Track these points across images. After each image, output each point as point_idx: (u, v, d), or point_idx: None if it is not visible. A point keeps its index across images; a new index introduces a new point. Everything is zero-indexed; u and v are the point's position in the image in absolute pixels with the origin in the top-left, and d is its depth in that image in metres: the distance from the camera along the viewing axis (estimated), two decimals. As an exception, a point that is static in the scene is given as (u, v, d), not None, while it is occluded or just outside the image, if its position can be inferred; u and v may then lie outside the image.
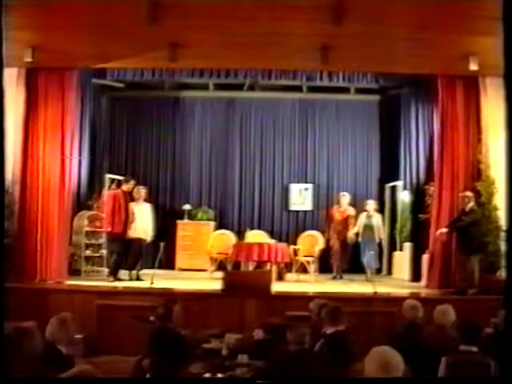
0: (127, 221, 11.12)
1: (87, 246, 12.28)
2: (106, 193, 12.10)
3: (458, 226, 10.18)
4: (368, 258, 12.07)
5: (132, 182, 11.66)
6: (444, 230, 10.38)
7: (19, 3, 7.74)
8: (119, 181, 12.55)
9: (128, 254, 11.25)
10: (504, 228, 9.73)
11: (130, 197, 11.48)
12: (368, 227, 12.36)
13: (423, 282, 11.41)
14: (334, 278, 12.54)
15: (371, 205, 12.65)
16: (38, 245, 10.50)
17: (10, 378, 4.09)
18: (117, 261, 11.16)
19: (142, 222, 11.33)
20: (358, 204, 13.37)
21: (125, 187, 11.49)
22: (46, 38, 9.52)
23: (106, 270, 11.76)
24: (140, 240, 11.29)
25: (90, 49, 10.05)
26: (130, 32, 9.11)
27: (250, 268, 12.07)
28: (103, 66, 11.80)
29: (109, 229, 11.21)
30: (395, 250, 13.56)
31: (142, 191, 11.63)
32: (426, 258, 11.42)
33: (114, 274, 10.99)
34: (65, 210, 10.83)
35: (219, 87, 14.70)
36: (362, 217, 12.52)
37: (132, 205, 11.37)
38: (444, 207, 10.78)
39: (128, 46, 9.95)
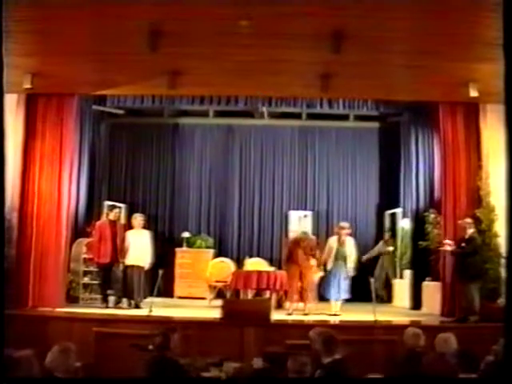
0: (116, 250, 11.14)
1: (85, 273, 12.21)
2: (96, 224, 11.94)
3: (459, 253, 10.12)
4: (338, 287, 10.87)
5: (117, 210, 11.81)
6: (448, 242, 10.31)
7: (19, 29, 7.77)
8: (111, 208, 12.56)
9: (125, 283, 11.20)
10: (504, 254, 9.68)
11: (124, 225, 11.63)
12: (339, 253, 10.96)
13: (424, 309, 11.34)
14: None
15: (344, 228, 11.22)
16: (35, 271, 10.48)
17: (10, 378, 4.12)
18: (102, 290, 11.35)
19: (140, 250, 11.23)
20: (357, 232, 13.34)
21: (111, 216, 11.59)
22: (46, 65, 9.55)
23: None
24: (138, 268, 11.18)
25: (89, 75, 10.13)
26: (131, 59, 9.16)
27: (250, 296, 11.92)
28: (103, 93, 11.87)
29: (96, 259, 11.32)
30: (395, 277, 13.48)
31: (140, 218, 11.59)
32: (429, 285, 11.38)
33: (105, 302, 11.19)
34: (62, 236, 10.84)
35: (219, 114, 14.72)
36: (332, 242, 11.13)
37: (129, 232, 11.38)
38: (448, 235, 10.71)
39: (128, 73, 10.02)
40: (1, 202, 5.28)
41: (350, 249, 11.11)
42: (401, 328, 7.42)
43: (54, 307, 10.38)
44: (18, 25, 7.55)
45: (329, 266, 11.06)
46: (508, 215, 4.52)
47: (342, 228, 11.26)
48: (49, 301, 10.45)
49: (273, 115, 14.62)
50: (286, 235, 14.49)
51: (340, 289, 10.94)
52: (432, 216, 11.68)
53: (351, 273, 11.04)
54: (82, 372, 6.05)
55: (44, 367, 4.88)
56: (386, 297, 13.45)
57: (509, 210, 4.52)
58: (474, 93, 9.76)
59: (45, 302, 10.42)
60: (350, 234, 11.40)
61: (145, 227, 11.68)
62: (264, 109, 13.97)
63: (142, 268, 11.23)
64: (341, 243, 11.09)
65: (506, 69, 4.73)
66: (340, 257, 11.01)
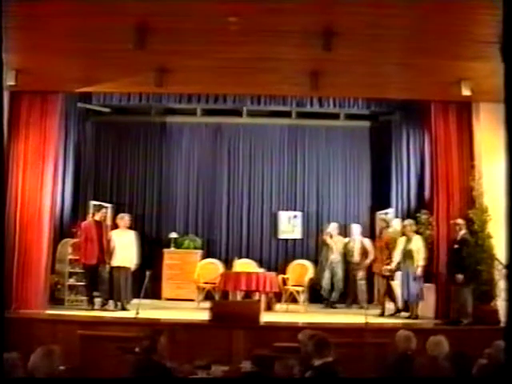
0: (102, 251, 11.02)
1: (71, 275, 12.00)
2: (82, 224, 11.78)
3: (452, 254, 10.01)
4: (408, 289, 10.85)
5: (103, 210, 11.71)
6: None
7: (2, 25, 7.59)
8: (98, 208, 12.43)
9: (111, 284, 11.10)
10: (501, 257, 9.61)
11: (110, 225, 11.56)
12: (408, 253, 10.90)
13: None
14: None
15: (410, 226, 11.15)
16: (17, 272, 10.30)
17: (10, 378, 4.17)
18: (88, 292, 11.21)
19: (125, 250, 11.08)
20: (348, 232, 13.25)
21: (97, 216, 11.47)
22: (30, 61, 9.41)
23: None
24: (125, 269, 11.03)
25: (75, 72, 10.00)
26: (117, 56, 9.02)
27: (239, 298, 11.82)
28: (89, 90, 11.73)
29: (82, 260, 11.19)
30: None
31: (125, 218, 11.46)
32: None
33: (91, 304, 11.06)
34: (44, 237, 10.63)
35: (207, 113, 14.60)
36: (400, 242, 11.12)
37: (114, 233, 11.29)
38: (440, 236, 10.66)
39: (114, 70, 9.91)
40: (2, 202, 5.19)
41: (417, 247, 10.92)
42: (392, 331, 7.34)
43: (36, 309, 10.23)
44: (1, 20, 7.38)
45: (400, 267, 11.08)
46: (508, 216, 4.41)
47: (405, 226, 11.26)
48: (31, 303, 10.28)
49: (262, 114, 14.48)
50: (276, 236, 14.39)
51: (409, 290, 10.84)
52: (424, 216, 11.55)
53: (419, 273, 10.80)
54: (66, 376, 5.94)
55: (27, 370, 4.79)
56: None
57: (509, 211, 4.41)
58: (466, 91, 9.65)
59: (27, 303, 10.24)
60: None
61: (130, 227, 11.55)
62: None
63: (128, 269, 11.08)
64: (408, 242, 10.99)
65: (506, 68, 4.60)
66: (408, 256, 10.92)
